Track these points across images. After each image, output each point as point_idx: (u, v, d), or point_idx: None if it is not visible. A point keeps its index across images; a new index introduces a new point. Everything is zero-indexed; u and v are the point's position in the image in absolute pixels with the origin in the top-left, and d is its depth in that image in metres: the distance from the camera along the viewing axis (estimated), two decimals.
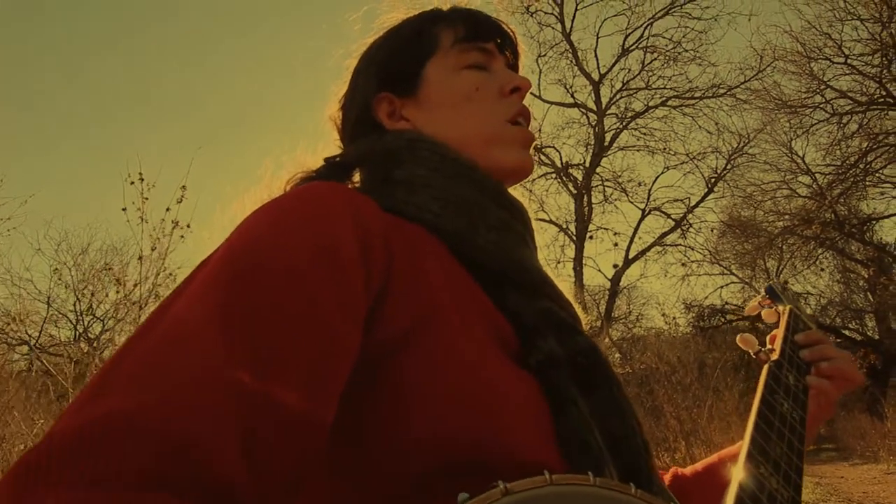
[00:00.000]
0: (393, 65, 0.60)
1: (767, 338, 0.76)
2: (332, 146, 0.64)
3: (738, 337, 0.74)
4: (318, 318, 0.36)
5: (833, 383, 0.68)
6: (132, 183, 3.81)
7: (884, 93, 12.45)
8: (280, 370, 0.33)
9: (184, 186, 3.64)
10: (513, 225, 0.53)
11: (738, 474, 0.49)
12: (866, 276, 16.19)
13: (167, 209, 3.59)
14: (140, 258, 3.44)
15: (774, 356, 0.68)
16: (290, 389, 0.33)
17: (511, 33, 0.63)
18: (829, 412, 0.69)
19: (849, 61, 12.39)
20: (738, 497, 0.46)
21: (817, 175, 13.75)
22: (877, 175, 13.17)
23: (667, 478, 0.71)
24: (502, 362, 0.43)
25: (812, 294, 16.63)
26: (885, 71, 12.22)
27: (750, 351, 0.73)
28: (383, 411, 0.39)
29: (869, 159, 12.97)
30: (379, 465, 0.39)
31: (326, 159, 0.59)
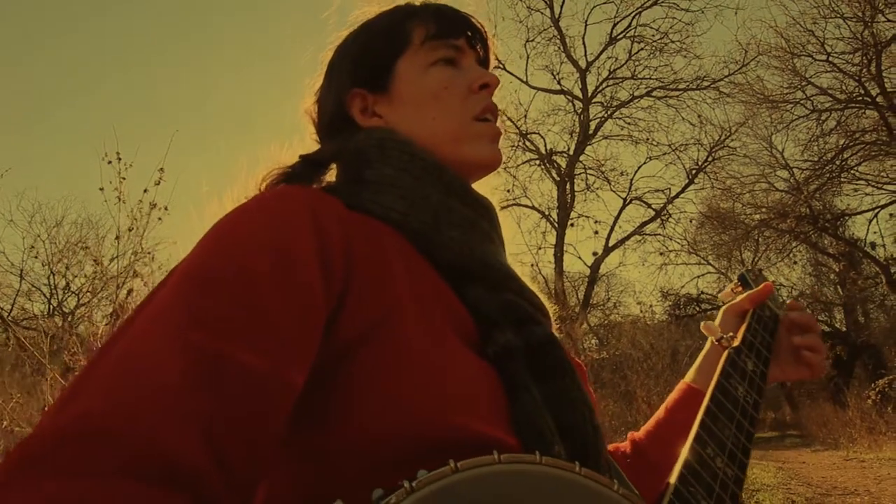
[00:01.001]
0: (366, 61, 0.61)
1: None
2: (309, 140, 0.65)
3: (701, 324, 0.76)
4: (273, 308, 0.40)
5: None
6: (109, 162, 3.72)
7: (862, 91, 12.61)
8: (239, 339, 0.38)
9: (162, 168, 3.58)
10: (478, 223, 0.55)
11: (683, 456, 0.52)
12: (837, 269, 16.61)
13: (144, 191, 3.53)
14: (117, 237, 3.40)
15: (735, 343, 0.70)
16: (249, 352, 0.37)
17: (481, 28, 0.63)
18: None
19: (830, 59, 12.51)
20: (680, 476, 0.50)
21: (795, 170, 13.98)
22: (852, 172, 13.40)
23: (626, 445, 0.75)
24: (461, 352, 0.46)
25: (784, 286, 16.98)
26: (864, 70, 12.37)
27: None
28: (346, 400, 0.42)
29: (845, 156, 13.18)
30: (342, 450, 0.41)
31: (301, 156, 0.60)
